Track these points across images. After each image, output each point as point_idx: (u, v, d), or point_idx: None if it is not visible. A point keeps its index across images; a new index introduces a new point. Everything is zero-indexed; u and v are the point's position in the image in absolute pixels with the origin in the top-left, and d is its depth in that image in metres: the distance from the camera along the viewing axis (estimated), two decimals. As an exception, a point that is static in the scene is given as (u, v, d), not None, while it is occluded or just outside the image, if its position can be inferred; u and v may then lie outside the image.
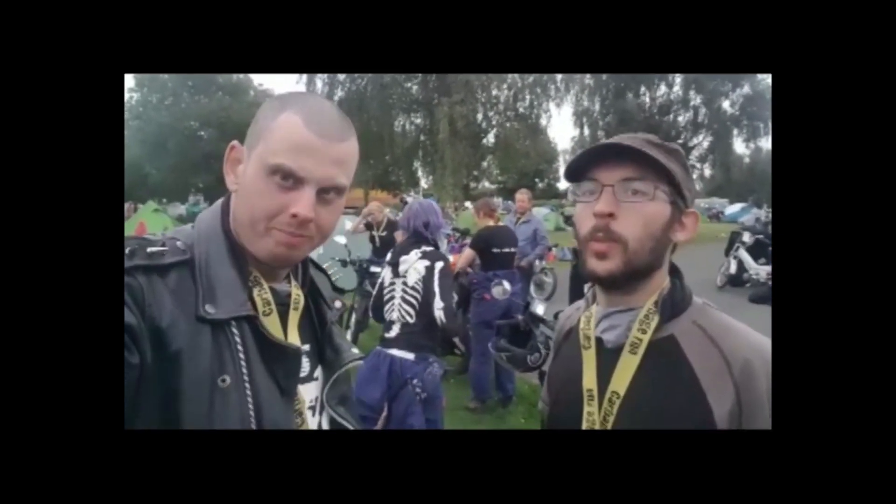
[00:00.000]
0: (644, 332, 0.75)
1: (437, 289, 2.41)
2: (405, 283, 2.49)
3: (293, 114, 0.67)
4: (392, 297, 2.52)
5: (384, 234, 5.88)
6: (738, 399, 0.68)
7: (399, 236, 5.75)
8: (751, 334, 0.73)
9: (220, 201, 0.75)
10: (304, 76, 19.93)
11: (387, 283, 2.58)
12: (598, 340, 0.80)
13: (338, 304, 0.89)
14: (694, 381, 0.71)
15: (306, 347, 0.79)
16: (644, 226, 0.74)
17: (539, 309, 3.17)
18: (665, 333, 0.75)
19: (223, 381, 0.63)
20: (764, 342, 0.71)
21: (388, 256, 2.67)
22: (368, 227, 6.06)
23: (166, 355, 0.60)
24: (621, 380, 0.75)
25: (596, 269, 0.75)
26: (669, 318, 0.76)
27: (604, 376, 0.78)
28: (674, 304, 0.77)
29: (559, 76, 20.34)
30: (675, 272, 0.81)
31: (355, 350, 0.86)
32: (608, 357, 0.78)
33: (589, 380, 0.79)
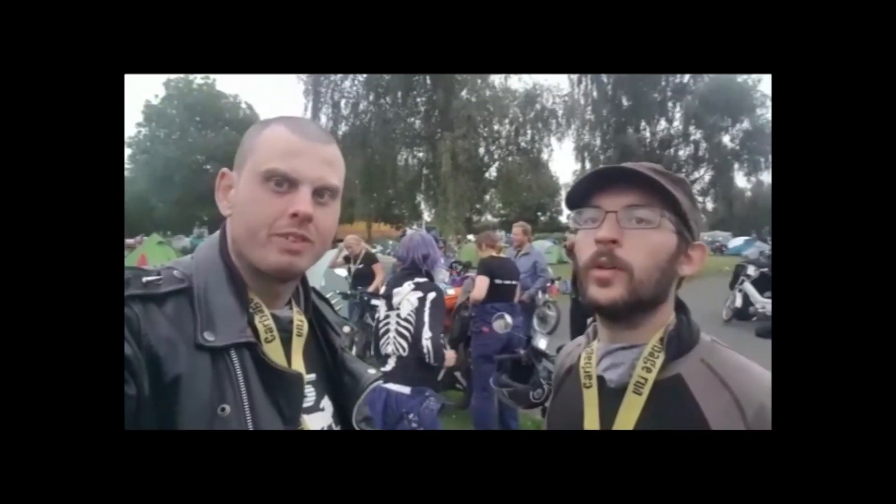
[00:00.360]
0: (649, 370, 0.71)
1: (426, 318, 2.37)
2: (398, 315, 2.45)
3: (277, 125, 0.71)
4: (387, 330, 2.48)
5: (361, 266, 5.94)
6: None
7: (377, 269, 5.76)
8: (765, 376, 0.67)
9: (217, 232, 0.76)
10: (310, 109, 20.30)
11: (382, 316, 2.54)
12: (600, 379, 0.75)
13: (346, 328, 0.89)
14: (703, 424, 0.66)
15: (312, 376, 0.77)
16: (650, 255, 0.70)
17: (541, 343, 3.10)
18: (671, 373, 0.71)
19: (223, 409, 0.63)
20: None
21: (383, 289, 2.64)
22: (347, 259, 6.11)
23: (164, 384, 0.60)
24: (625, 422, 0.70)
25: (598, 297, 0.71)
26: (676, 357, 0.71)
27: (607, 417, 0.73)
28: (681, 342, 0.72)
29: (560, 111, 20.69)
30: (681, 308, 0.76)
31: (372, 371, 0.85)
32: (611, 397, 0.73)
33: (591, 421, 0.74)
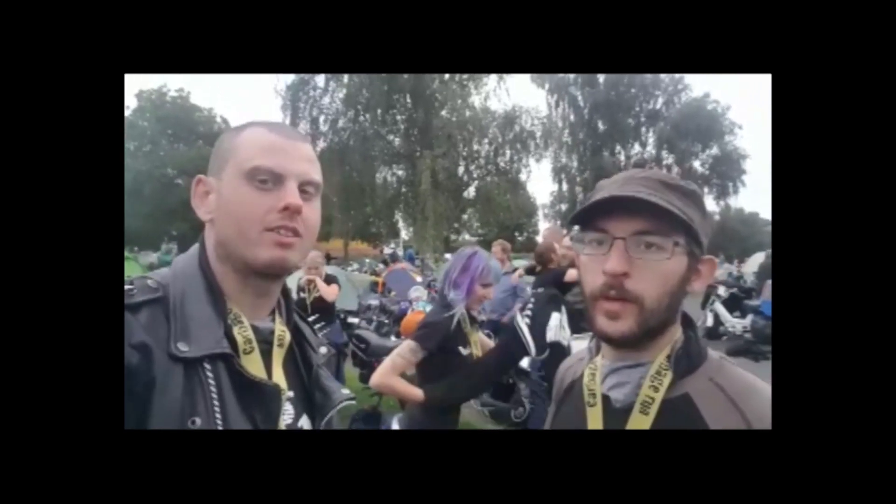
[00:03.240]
0: (656, 389, 0.68)
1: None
2: None
3: (255, 127, 0.72)
4: None
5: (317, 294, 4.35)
6: None
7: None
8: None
9: (196, 244, 0.75)
10: (289, 118, 20.13)
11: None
12: (605, 398, 0.73)
13: (323, 349, 0.86)
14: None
15: (291, 394, 0.76)
16: (661, 283, 0.67)
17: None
18: (679, 392, 0.68)
19: (192, 422, 0.62)
20: None
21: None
22: (301, 290, 4.31)
23: (135, 393, 0.60)
24: None
25: (607, 329, 0.68)
26: (684, 375, 0.69)
27: None
28: (689, 360, 0.69)
29: (538, 133, 21.01)
30: (688, 324, 0.74)
31: (346, 391, 0.84)
32: (616, 417, 0.70)
33: (595, 441, 0.71)
